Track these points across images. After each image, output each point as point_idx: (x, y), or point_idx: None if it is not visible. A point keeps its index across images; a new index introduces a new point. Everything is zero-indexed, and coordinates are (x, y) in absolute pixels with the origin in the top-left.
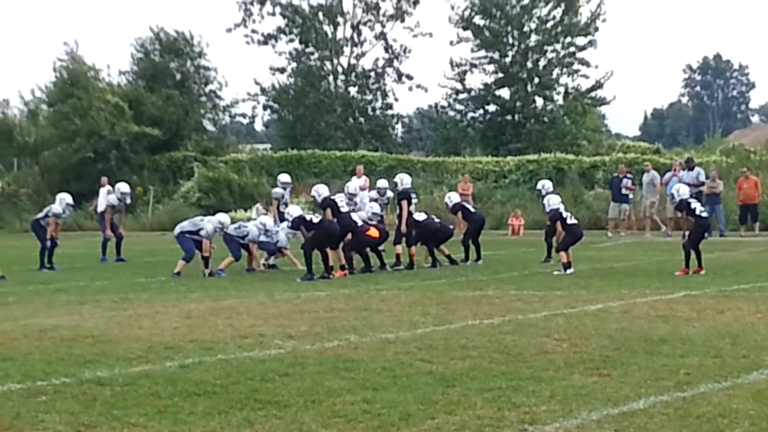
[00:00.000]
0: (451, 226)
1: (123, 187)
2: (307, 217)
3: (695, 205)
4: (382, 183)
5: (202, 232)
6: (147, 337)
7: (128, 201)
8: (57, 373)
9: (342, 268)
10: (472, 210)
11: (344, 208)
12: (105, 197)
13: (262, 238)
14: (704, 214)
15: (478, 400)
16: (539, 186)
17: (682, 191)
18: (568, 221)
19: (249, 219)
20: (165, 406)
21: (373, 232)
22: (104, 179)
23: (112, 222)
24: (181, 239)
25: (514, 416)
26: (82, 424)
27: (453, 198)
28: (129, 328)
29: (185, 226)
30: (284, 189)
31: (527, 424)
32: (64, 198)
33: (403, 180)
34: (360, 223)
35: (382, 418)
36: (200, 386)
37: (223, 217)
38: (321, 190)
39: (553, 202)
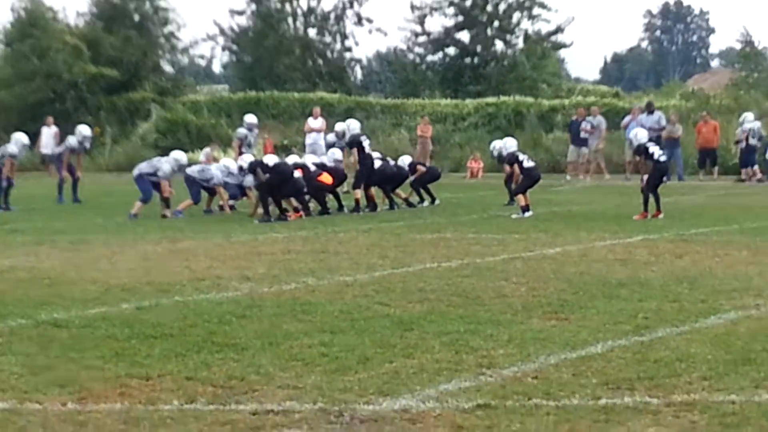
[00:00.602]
0: (407, 169)
1: (84, 130)
2: (264, 161)
3: (653, 149)
4: (340, 126)
5: (160, 173)
6: (104, 279)
7: (88, 145)
8: (13, 314)
9: (296, 210)
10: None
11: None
12: (50, 137)
13: (228, 180)
14: (662, 159)
15: (435, 343)
16: (493, 147)
17: (641, 135)
18: (525, 164)
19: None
20: (122, 348)
21: (326, 178)
22: (49, 119)
23: (70, 164)
24: (139, 181)
25: (472, 360)
26: (38, 366)
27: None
28: (86, 270)
29: (143, 167)
30: (249, 130)
31: (485, 367)
32: (20, 138)
33: (351, 126)
34: (313, 168)
35: (340, 362)
36: (157, 329)
37: (178, 155)
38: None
39: (510, 145)
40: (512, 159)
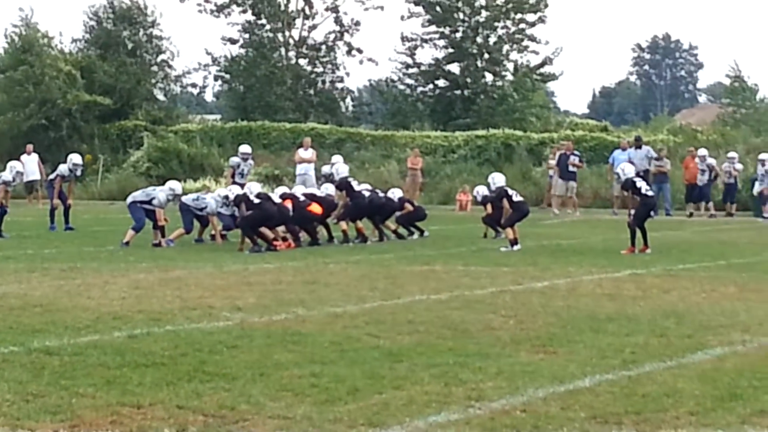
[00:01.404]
0: (396, 200)
1: (75, 158)
2: (250, 197)
3: (641, 184)
4: (326, 169)
5: (155, 201)
6: (95, 306)
7: (79, 173)
8: (5, 341)
9: (284, 239)
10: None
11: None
12: (33, 164)
13: (222, 210)
14: (650, 193)
15: (425, 375)
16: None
17: (628, 170)
18: (514, 198)
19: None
20: (113, 376)
21: (315, 208)
22: (29, 146)
23: (61, 191)
24: (133, 208)
25: (461, 392)
26: (30, 394)
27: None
28: (78, 298)
29: (137, 195)
30: (243, 160)
31: (474, 400)
32: (14, 166)
33: (339, 170)
34: (302, 198)
35: (330, 392)
36: (149, 357)
37: (174, 184)
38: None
39: (498, 180)
40: (502, 193)
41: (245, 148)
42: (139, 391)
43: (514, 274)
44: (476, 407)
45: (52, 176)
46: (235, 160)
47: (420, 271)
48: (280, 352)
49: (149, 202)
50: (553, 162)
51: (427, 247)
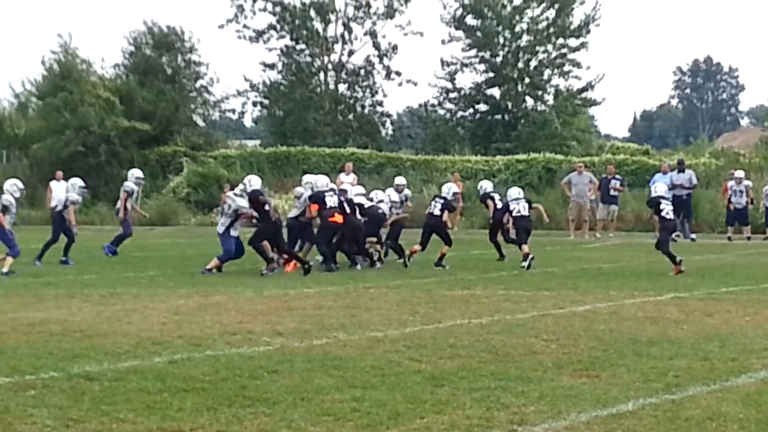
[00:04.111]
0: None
1: (137, 172)
2: (266, 207)
3: (664, 205)
4: (400, 180)
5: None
6: (135, 332)
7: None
8: (46, 367)
9: (287, 260)
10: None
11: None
12: (61, 191)
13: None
14: (669, 216)
15: (467, 399)
16: (479, 187)
17: (660, 189)
18: (514, 214)
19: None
20: (154, 401)
21: (337, 218)
22: (59, 173)
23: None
24: (223, 238)
25: (503, 416)
26: (70, 419)
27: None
28: (117, 323)
29: (224, 221)
30: (137, 185)
31: (516, 424)
32: (76, 182)
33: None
34: (330, 205)
35: (371, 417)
36: (189, 382)
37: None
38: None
39: (486, 186)
40: (504, 208)
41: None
42: (180, 416)
43: (555, 298)
44: (519, 431)
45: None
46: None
47: (461, 296)
48: (321, 377)
49: (236, 218)
50: (565, 184)
51: (468, 271)
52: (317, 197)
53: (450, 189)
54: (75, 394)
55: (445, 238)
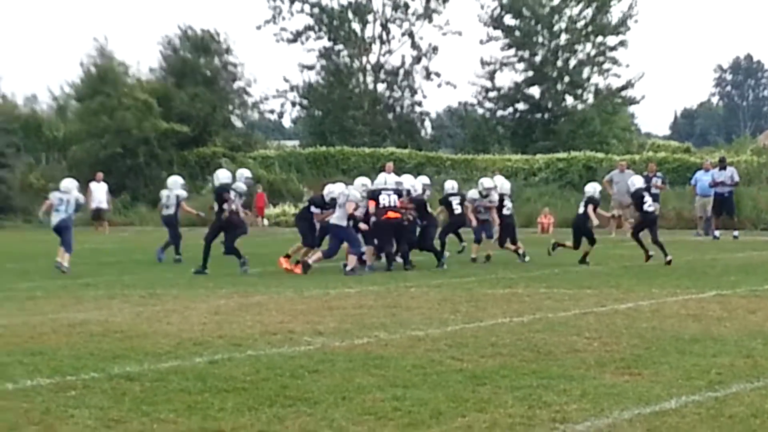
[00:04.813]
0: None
1: (246, 172)
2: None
3: (647, 199)
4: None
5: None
6: (176, 332)
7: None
8: (86, 368)
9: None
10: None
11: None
12: (102, 193)
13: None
14: (650, 209)
15: (508, 398)
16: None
17: (637, 182)
18: (504, 212)
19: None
20: (194, 402)
21: (391, 215)
22: (99, 174)
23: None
24: (342, 231)
25: (545, 415)
26: (111, 420)
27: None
28: (157, 324)
29: (340, 215)
30: (247, 185)
31: (558, 422)
32: (177, 180)
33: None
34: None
35: (413, 416)
36: (230, 382)
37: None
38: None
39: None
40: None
41: (248, 172)
42: (221, 416)
43: (597, 296)
44: (561, 429)
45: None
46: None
47: (502, 294)
48: (362, 376)
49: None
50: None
51: (509, 269)
52: (373, 194)
53: (595, 189)
54: (116, 395)
55: (589, 236)
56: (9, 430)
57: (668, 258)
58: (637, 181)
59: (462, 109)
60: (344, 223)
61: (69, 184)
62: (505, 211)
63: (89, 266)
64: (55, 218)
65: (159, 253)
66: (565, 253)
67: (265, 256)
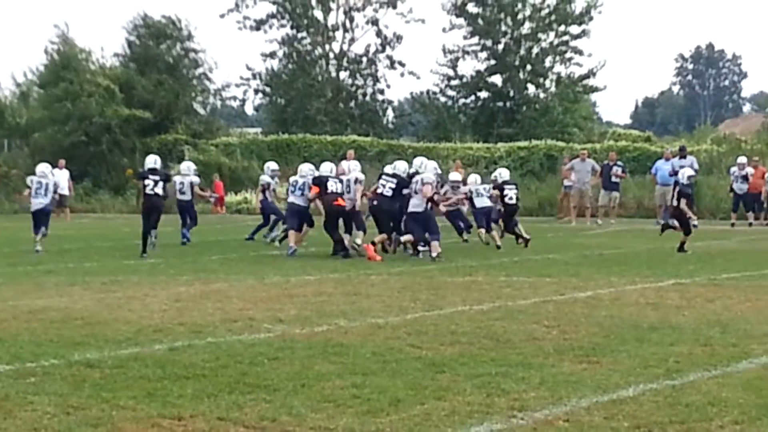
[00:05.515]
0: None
1: (272, 165)
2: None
3: (507, 191)
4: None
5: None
6: (136, 319)
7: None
8: (46, 354)
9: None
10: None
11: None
12: (64, 179)
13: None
14: (512, 201)
15: (467, 386)
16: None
17: (503, 174)
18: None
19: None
20: (154, 388)
21: (340, 202)
22: (61, 161)
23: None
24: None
25: (504, 402)
26: (71, 406)
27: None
28: (118, 311)
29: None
30: (272, 178)
31: (517, 410)
32: (191, 165)
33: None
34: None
35: (372, 403)
36: (189, 369)
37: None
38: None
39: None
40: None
41: (273, 165)
42: (180, 403)
43: (556, 285)
44: (519, 417)
45: (258, 188)
46: (265, 179)
47: (462, 282)
48: (322, 364)
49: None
50: (567, 170)
51: (469, 257)
52: (320, 180)
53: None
54: (75, 382)
55: (686, 225)
56: None
57: (522, 241)
58: (504, 174)
59: (425, 97)
60: (422, 209)
61: (45, 168)
62: (507, 200)
63: (50, 253)
64: (35, 203)
65: (184, 234)
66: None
67: (225, 243)
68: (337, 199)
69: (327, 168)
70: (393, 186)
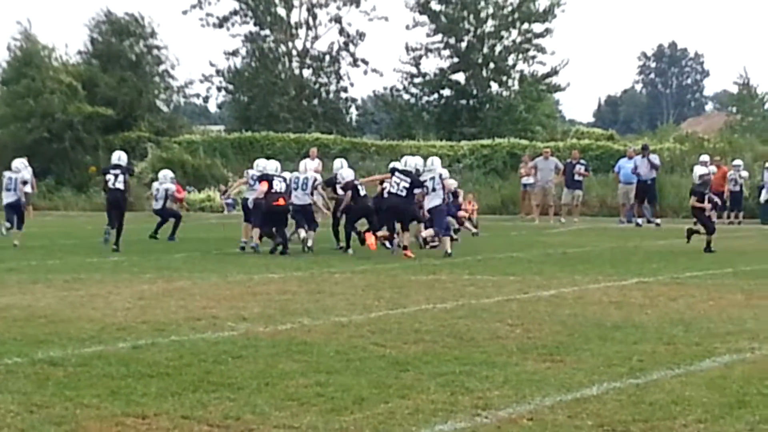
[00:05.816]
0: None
1: (271, 163)
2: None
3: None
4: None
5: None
6: (100, 317)
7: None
8: (9, 353)
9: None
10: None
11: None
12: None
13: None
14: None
15: (431, 384)
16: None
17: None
18: (361, 193)
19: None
20: (118, 387)
21: (281, 202)
22: (24, 160)
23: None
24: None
25: (468, 401)
26: (34, 405)
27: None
28: (81, 309)
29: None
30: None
31: (480, 409)
32: (168, 174)
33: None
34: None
35: (335, 402)
36: (153, 368)
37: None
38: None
39: (347, 174)
40: (349, 186)
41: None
42: (144, 401)
43: (520, 283)
44: (483, 416)
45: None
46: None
47: (426, 281)
48: (286, 362)
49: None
50: (523, 171)
51: (433, 256)
52: (267, 177)
53: (696, 174)
54: (39, 380)
55: (706, 224)
56: None
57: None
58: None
59: (388, 94)
60: (440, 203)
61: (19, 164)
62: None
63: (13, 250)
64: (7, 197)
65: (170, 238)
66: (488, 240)
67: (188, 242)
68: (278, 199)
69: (272, 167)
70: (407, 185)
